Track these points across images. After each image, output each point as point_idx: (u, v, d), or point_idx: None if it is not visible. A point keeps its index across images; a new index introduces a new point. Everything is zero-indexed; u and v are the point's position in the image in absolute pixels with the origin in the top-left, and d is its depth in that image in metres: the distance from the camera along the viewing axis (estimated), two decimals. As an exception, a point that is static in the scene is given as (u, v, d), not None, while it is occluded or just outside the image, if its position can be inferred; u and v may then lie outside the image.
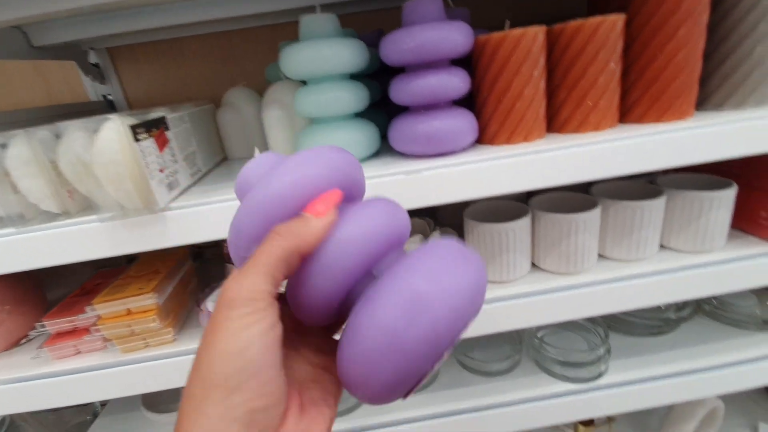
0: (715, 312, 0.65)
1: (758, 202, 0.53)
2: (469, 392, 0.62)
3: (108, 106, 0.81)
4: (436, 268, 0.19)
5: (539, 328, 0.66)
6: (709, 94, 0.48)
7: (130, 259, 0.64)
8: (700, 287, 0.51)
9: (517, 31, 0.42)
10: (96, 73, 0.77)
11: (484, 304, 0.50)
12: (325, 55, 0.42)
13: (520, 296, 0.50)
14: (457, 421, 0.59)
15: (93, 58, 0.77)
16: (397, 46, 0.42)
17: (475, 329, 0.51)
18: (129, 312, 0.49)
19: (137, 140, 0.38)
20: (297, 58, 0.43)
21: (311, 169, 0.21)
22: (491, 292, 0.51)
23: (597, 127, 0.46)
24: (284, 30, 0.74)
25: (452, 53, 0.42)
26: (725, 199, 0.50)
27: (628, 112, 0.48)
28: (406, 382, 0.19)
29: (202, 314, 0.48)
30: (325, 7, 0.67)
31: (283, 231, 0.20)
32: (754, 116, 0.43)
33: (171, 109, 0.49)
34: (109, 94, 0.80)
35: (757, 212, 0.53)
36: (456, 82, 0.43)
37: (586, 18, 0.43)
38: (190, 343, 0.52)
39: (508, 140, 0.46)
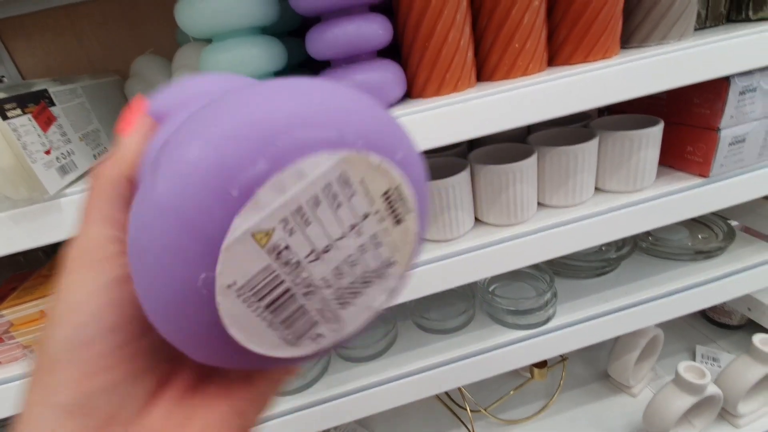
0: (651, 248, 0.69)
1: (684, 137, 0.55)
2: (427, 351, 0.62)
3: (3, 90, 0.71)
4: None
5: (490, 282, 0.67)
6: (633, 31, 0.48)
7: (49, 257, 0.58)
8: (634, 225, 0.53)
9: (435, -30, 0.39)
10: (-15, 54, 0.67)
11: (433, 263, 0.50)
12: (225, 4, 0.37)
13: (466, 252, 0.50)
14: (419, 379, 0.60)
15: None
16: (307, -9, 0.38)
17: (426, 288, 0.50)
18: (44, 314, 0.44)
19: (6, 118, 0.32)
20: (195, 12, 0.38)
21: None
22: (439, 251, 0.50)
23: (526, 71, 0.45)
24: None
25: (366, -3, 0.38)
26: (653, 136, 0.51)
27: (556, 55, 0.47)
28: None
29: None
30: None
31: (100, 165, 0.17)
32: (676, 49, 0.43)
33: (60, 81, 0.43)
34: (2, 76, 0.70)
35: (683, 147, 0.55)
36: (375, 29, 0.40)
37: (506, -48, 0.41)
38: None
39: (438, 91, 0.44)
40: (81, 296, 0.14)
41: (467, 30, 0.43)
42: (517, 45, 0.43)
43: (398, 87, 0.43)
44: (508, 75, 0.45)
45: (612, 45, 0.45)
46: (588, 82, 0.42)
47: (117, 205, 0.16)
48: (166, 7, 0.67)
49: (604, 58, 0.45)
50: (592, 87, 0.43)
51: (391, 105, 0.44)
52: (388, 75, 0.41)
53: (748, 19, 0.52)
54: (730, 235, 0.67)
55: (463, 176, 0.48)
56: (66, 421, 0.13)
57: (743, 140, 0.52)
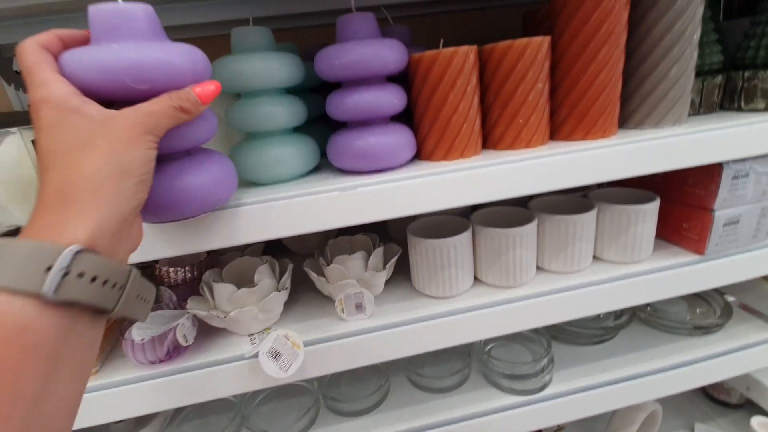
0: (650, 319, 0.68)
1: (679, 214, 0.56)
2: (419, 410, 0.61)
3: (34, 118, 0.76)
4: None
5: (487, 342, 0.66)
6: (631, 114, 0.51)
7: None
8: (632, 296, 0.53)
9: (449, 50, 0.43)
10: (20, 81, 0.72)
11: (431, 320, 0.50)
12: (256, 69, 0.41)
13: (464, 311, 0.50)
14: (409, 440, 0.58)
15: (17, 64, 0.72)
16: (330, 63, 0.41)
17: (422, 345, 0.50)
18: None
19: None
20: (227, 72, 0.41)
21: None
22: (437, 307, 0.51)
23: (529, 143, 0.48)
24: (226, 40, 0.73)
25: (385, 70, 0.42)
26: (650, 212, 0.53)
27: (557, 130, 0.50)
28: None
29: (126, 344, 0.45)
30: (266, 21, 0.67)
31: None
32: (671, 134, 0.46)
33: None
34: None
35: (679, 223, 0.57)
36: (390, 99, 0.43)
37: (514, 39, 0.45)
38: (115, 375, 0.48)
39: (446, 156, 0.47)
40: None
41: (476, 102, 0.46)
42: (521, 120, 0.46)
43: (409, 150, 0.45)
44: (512, 146, 0.48)
45: (610, 126, 0.48)
46: (588, 160, 0.45)
47: (170, 124, 0.29)
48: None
49: (602, 137, 0.48)
50: (592, 165, 0.45)
51: (401, 166, 0.46)
52: (400, 140, 0.44)
53: (739, 109, 0.55)
54: (727, 312, 0.67)
55: (466, 236, 0.50)
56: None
57: (737, 222, 0.54)
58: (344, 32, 0.42)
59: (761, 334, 0.65)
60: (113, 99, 0.28)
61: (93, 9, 0.28)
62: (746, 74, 0.53)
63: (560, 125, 0.50)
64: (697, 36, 0.47)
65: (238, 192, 0.45)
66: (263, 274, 0.47)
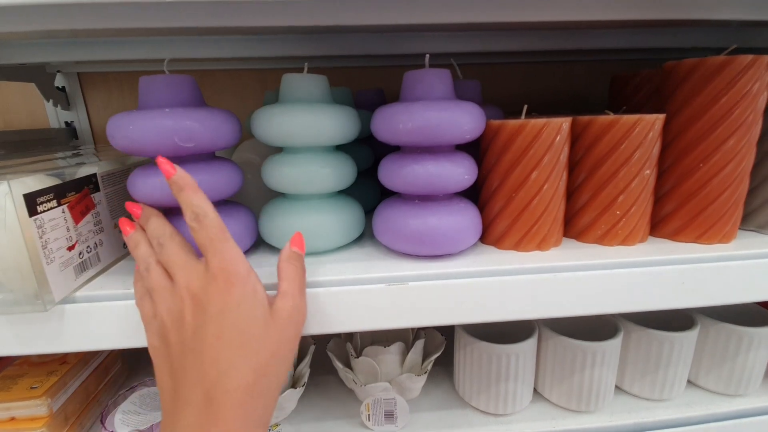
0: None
1: (803, 339, 0.45)
2: None
3: (70, 134, 0.73)
4: None
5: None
6: (752, 213, 0.41)
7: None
8: (737, 442, 0.42)
9: (539, 121, 0.35)
10: (60, 97, 0.69)
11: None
12: (302, 124, 0.34)
13: (518, 432, 0.40)
14: None
15: (60, 81, 0.69)
16: (392, 126, 0.34)
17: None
18: (13, 420, 0.37)
19: (34, 213, 0.28)
20: (268, 125, 0.35)
21: None
22: (486, 426, 0.41)
23: (625, 240, 0.38)
24: (276, 75, 0.68)
25: (457, 139, 0.34)
26: (765, 337, 0.42)
27: (660, 224, 0.40)
28: None
29: None
30: (322, 59, 0.61)
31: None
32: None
33: (114, 159, 0.40)
34: (72, 121, 0.72)
35: (801, 351, 0.45)
36: (460, 174, 0.35)
37: (616, 112, 0.36)
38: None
39: (518, 245, 0.38)
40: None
41: (563, 184, 0.38)
42: (618, 211, 0.37)
43: (472, 236, 0.37)
44: (602, 240, 0.39)
45: (730, 230, 0.38)
46: (700, 275, 0.35)
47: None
48: (244, 91, 0.68)
49: (719, 242, 0.38)
50: (705, 281, 0.35)
51: (462, 252, 0.38)
52: (466, 222, 0.36)
53: None
54: None
55: (530, 344, 0.40)
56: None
57: None
58: (413, 90, 0.35)
59: None
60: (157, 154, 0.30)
61: (144, 79, 0.33)
62: None
63: (664, 219, 0.40)
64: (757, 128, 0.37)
65: (257, 258, 0.37)
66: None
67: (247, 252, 0.39)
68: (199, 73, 0.67)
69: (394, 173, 0.36)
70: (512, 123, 0.36)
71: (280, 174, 0.36)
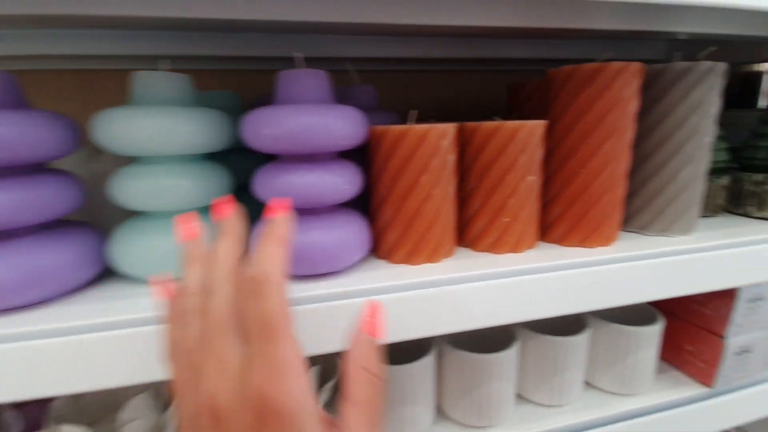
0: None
1: (683, 333, 0.47)
2: None
3: None
4: None
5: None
6: (634, 214, 0.43)
7: None
8: (631, 439, 0.43)
9: (423, 127, 0.33)
10: None
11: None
12: (149, 128, 0.29)
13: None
14: None
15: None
16: (258, 132, 0.30)
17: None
18: None
19: None
20: (109, 129, 0.29)
21: None
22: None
23: (514, 247, 0.38)
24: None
25: (332, 146, 0.31)
26: (653, 336, 0.44)
27: (548, 230, 0.41)
28: None
29: None
30: (212, 60, 0.56)
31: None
32: (681, 248, 0.38)
33: None
34: None
35: (683, 344, 0.48)
36: (339, 184, 0.32)
37: (503, 117, 0.36)
38: None
39: (409, 257, 0.36)
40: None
41: (451, 190, 0.36)
42: (506, 218, 0.37)
43: (358, 251, 0.34)
44: (493, 248, 0.38)
45: (611, 232, 0.39)
46: (583, 280, 0.35)
47: None
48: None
49: (602, 244, 0.39)
50: (587, 286, 0.35)
51: (347, 268, 0.35)
52: (346, 237, 0.33)
53: (746, 215, 0.48)
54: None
55: (426, 363, 0.38)
56: None
57: (750, 351, 0.45)
58: (286, 92, 0.32)
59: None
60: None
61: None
62: (758, 178, 0.47)
63: (553, 224, 0.40)
64: (710, 134, 0.40)
65: (105, 291, 0.31)
66: (136, 410, 0.33)
67: (93, 282, 0.33)
68: (71, 73, 0.59)
69: (266, 185, 0.32)
70: (396, 129, 0.33)
71: (127, 188, 0.31)
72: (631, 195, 0.42)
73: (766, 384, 0.46)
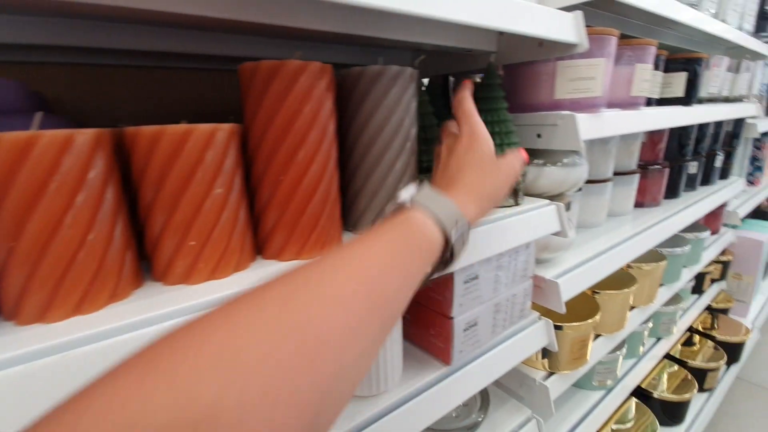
0: None
1: (426, 318, 0.51)
2: None
3: None
4: None
5: None
6: (358, 219, 0.43)
7: None
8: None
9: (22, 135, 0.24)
10: None
11: None
12: None
13: None
14: None
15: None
16: None
17: None
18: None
19: None
20: None
21: None
22: None
23: (213, 273, 0.32)
24: None
25: None
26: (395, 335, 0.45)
27: (266, 244, 0.37)
28: None
29: None
30: None
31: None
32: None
33: None
34: None
35: (428, 329, 0.51)
36: None
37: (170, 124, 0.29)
38: None
39: (48, 311, 0.26)
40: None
41: (105, 225, 0.28)
42: (193, 242, 0.31)
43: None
44: (187, 279, 0.31)
45: (333, 236, 0.38)
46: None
47: None
48: None
49: (319, 254, 0.37)
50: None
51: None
52: None
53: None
54: (486, 399, 0.66)
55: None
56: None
57: (476, 324, 0.51)
58: None
59: (519, 415, 0.65)
60: None
61: None
62: (467, 172, 0.53)
63: (268, 238, 0.36)
64: (413, 130, 0.43)
65: None
66: None
67: None
68: None
69: None
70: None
71: None
72: (354, 199, 0.42)
73: (493, 350, 0.54)
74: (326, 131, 0.36)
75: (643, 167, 0.93)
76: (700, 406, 1.16)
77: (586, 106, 0.58)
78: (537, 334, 0.59)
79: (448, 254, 0.31)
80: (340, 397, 0.21)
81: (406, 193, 0.31)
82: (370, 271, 0.24)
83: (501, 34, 0.59)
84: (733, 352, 1.32)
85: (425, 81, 0.75)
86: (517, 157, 0.40)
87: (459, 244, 0.32)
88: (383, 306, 0.24)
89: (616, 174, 0.85)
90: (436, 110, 0.58)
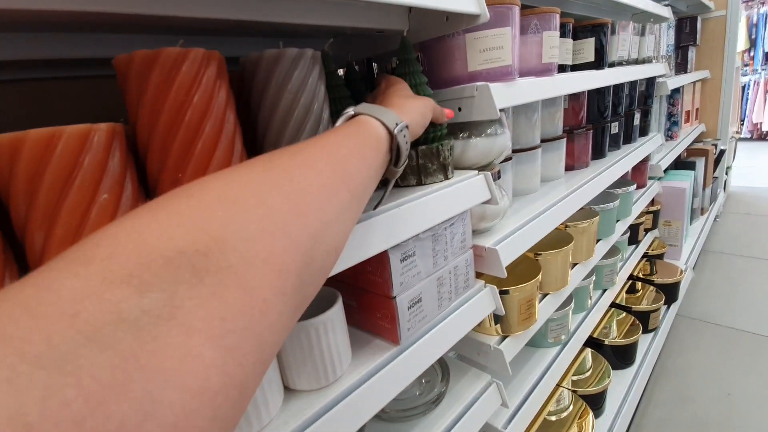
0: (388, 416, 0.61)
1: (370, 303, 0.50)
2: None
3: None
4: None
5: None
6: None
7: None
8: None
9: None
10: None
11: None
12: None
13: None
14: None
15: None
16: None
17: None
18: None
19: None
20: None
21: None
22: None
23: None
24: None
25: None
26: (337, 318, 0.44)
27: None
28: None
29: None
30: None
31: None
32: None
33: None
34: None
35: (374, 313, 0.51)
36: None
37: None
38: None
39: None
40: None
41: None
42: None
43: None
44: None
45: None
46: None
47: None
48: None
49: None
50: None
51: None
52: None
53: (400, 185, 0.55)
54: (447, 371, 0.67)
55: None
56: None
57: (420, 300, 0.51)
58: None
59: (480, 382, 0.67)
60: None
61: None
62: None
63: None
64: (326, 114, 0.42)
65: None
66: None
67: None
68: None
69: None
70: None
71: None
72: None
73: (441, 324, 0.54)
74: (224, 120, 0.34)
75: (569, 132, 0.98)
76: (647, 346, 1.26)
77: (500, 75, 0.60)
78: (483, 301, 0.61)
79: (394, 149, 0.37)
80: (328, 249, 0.24)
81: (351, 109, 0.36)
82: (333, 148, 0.28)
83: (410, 11, 0.59)
84: (671, 292, 1.44)
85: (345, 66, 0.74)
86: (431, 99, 0.48)
87: (402, 140, 0.36)
88: (349, 180, 0.28)
89: (543, 141, 0.89)
90: (357, 94, 0.57)
